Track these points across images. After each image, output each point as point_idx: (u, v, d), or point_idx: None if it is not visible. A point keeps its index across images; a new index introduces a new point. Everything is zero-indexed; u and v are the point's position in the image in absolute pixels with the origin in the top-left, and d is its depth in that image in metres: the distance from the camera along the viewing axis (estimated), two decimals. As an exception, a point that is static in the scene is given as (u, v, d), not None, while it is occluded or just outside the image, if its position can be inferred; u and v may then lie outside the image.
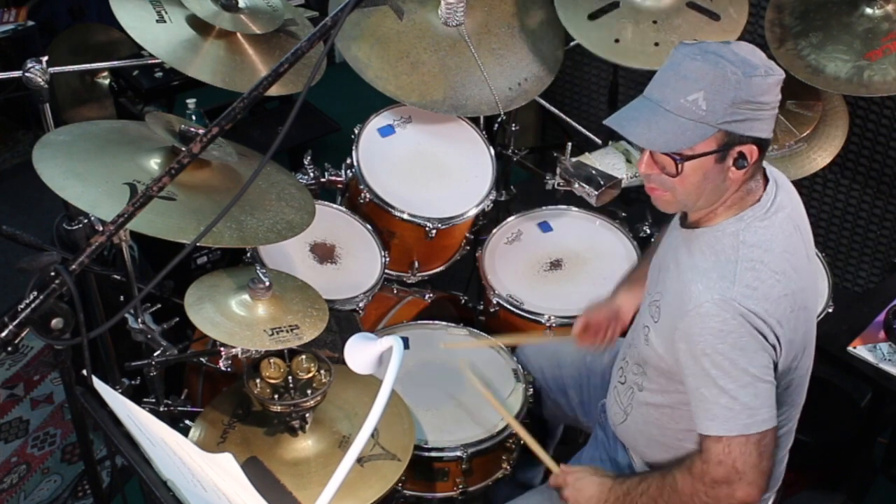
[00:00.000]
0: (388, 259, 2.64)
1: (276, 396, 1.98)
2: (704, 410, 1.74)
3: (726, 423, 1.71)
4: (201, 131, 1.55)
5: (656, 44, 2.66)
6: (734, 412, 1.70)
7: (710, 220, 1.78)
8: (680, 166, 1.69)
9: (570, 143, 2.74)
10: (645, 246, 2.71)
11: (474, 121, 2.87)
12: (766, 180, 1.81)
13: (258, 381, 2.00)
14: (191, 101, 3.24)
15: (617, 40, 2.68)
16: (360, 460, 1.97)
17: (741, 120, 1.65)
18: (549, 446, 2.45)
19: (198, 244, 1.65)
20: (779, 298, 1.72)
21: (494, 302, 2.58)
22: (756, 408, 1.70)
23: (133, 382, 2.50)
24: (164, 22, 2.37)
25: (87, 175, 1.97)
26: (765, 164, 1.83)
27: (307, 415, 1.98)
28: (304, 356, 2.03)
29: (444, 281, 2.95)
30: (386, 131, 2.80)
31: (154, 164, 2.09)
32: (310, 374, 2.02)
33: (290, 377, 2.01)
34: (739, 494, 1.73)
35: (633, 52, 2.66)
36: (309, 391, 1.98)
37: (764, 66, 1.66)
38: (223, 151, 2.16)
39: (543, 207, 2.86)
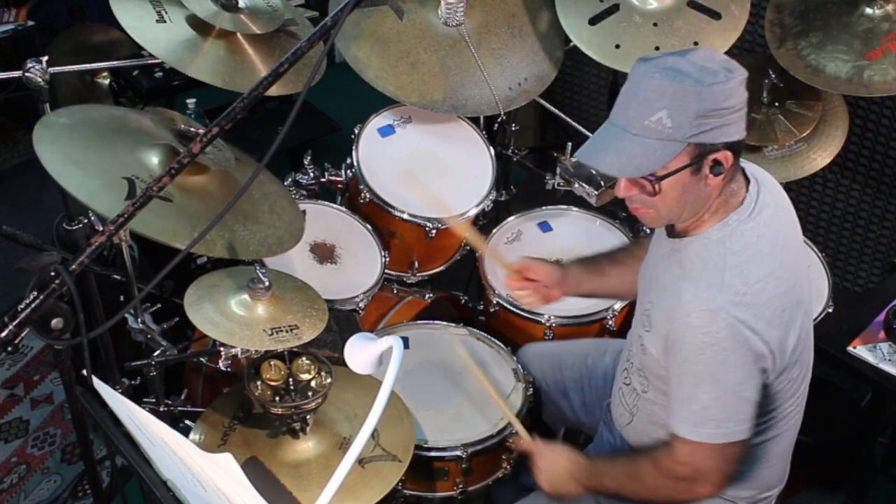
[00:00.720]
0: (388, 259, 2.64)
1: (276, 399, 1.98)
2: (677, 411, 1.78)
3: (695, 428, 1.75)
4: (201, 131, 1.55)
5: (657, 48, 2.66)
6: (703, 420, 1.74)
7: (697, 227, 1.78)
8: (657, 186, 1.69)
9: (570, 143, 2.74)
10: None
11: (474, 121, 2.87)
12: (748, 180, 1.80)
13: (259, 383, 2.00)
14: (191, 101, 3.24)
15: (618, 45, 2.68)
16: (360, 461, 1.97)
17: (709, 129, 1.64)
18: None
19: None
20: (769, 300, 1.72)
21: (494, 302, 2.58)
22: (724, 420, 1.74)
23: (133, 382, 2.50)
24: (164, 22, 2.37)
25: (87, 164, 1.97)
26: (744, 162, 1.84)
27: (308, 417, 1.98)
28: (304, 358, 2.03)
29: (444, 281, 2.95)
30: (386, 131, 2.80)
31: (153, 160, 2.09)
32: (310, 377, 2.02)
33: (290, 379, 2.01)
34: (700, 491, 1.82)
35: (635, 58, 2.64)
36: (310, 393, 1.98)
37: (723, 71, 1.64)
38: (221, 156, 2.15)
39: (543, 207, 2.86)
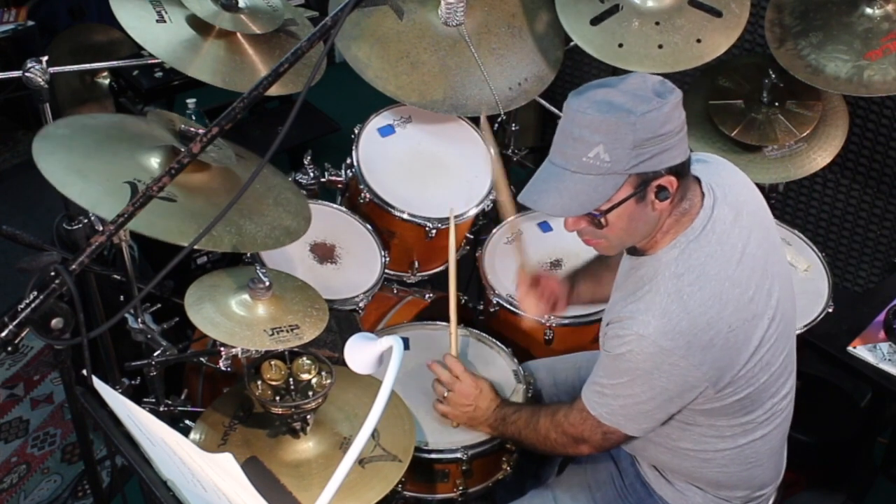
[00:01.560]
0: (388, 259, 2.64)
1: (277, 398, 1.98)
2: (591, 380, 1.88)
3: (592, 402, 1.86)
4: (201, 131, 1.55)
5: (660, 46, 2.66)
6: (603, 401, 1.84)
7: (652, 247, 1.79)
8: (603, 220, 1.71)
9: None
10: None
11: (474, 121, 2.87)
12: (702, 192, 1.78)
13: (259, 383, 2.00)
14: (191, 101, 3.24)
15: (621, 45, 2.68)
16: (360, 461, 1.97)
17: (648, 158, 1.64)
18: (551, 461, 2.44)
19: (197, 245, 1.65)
20: (710, 324, 1.71)
21: (494, 302, 2.58)
22: (616, 413, 1.82)
23: (133, 382, 2.49)
24: (164, 22, 2.37)
25: (88, 172, 1.97)
26: (708, 157, 1.88)
27: (308, 416, 1.98)
28: (304, 358, 2.03)
29: (444, 281, 2.94)
30: (386, 131, 2.80)
31: (154, 162, 2.09)
32: (310, 376, 2.02)
33: (290, 379, 2.01)
34: (580, 449, 1.96)
35: (638, 56, 2.66)
36: (310, 393, 1.98)
37: (655, 98, 1.63)
38: (222, 154, 2.15)
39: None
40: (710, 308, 1.71)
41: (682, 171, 1.70)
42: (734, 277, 1.75)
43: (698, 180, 1.79)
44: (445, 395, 2.16)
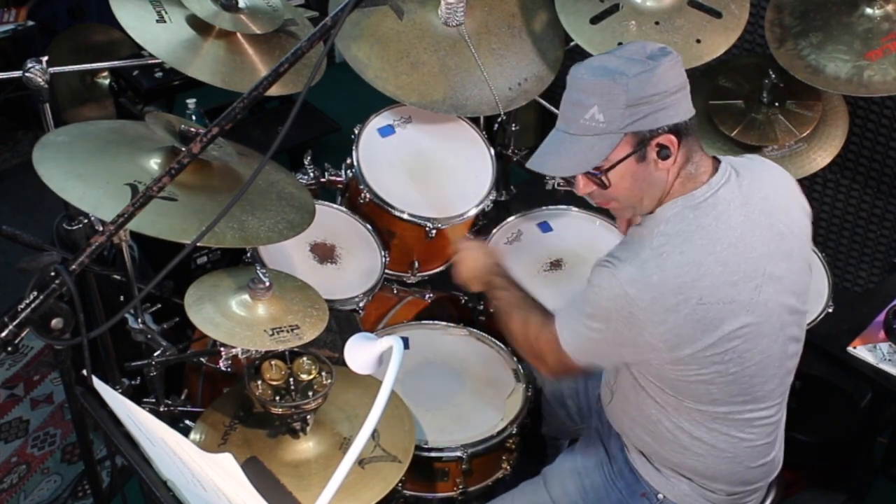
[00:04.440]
0: (388, 259, 2.64)
1: (277, 398, 1.98)
2: (567, 302, 1.90)
3: (560, 323, 1.89)
4: (201, 131, 1.55)
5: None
6: (566, 323, 1.88)
7: (657, 208, 1.83)
8: (605, 178, 1.77)
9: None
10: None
11: (474, 121, 2.87)
12: (717, 171, 1.82)
13: (259, 383, 2.00)
14: (191, 101, 3.24)
15: (620, 44, 2.67)
16: (360, 462, 1.97)
17: (642, 117, 1.70)
18: (550, 461, 2.44)
19: (198, 244, 1.65)
20: (680, 287, 1.72)
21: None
22: (575, 339, 1.86)
23: (133, 382, 2.49)
24: (164, 22, 2.37)
25: (88, 176, 1.97)
26: (753, 156, 1.89)
27: (308, 417, 1.98)
28: (305, 358, 2.03)
29: (444, 281, 2.94)
30: (386, 131, 2.80)
31: (154, 164, 2.09)
32: (311, 377, 2.02)
33: (291, 379, 2.01)
34: (541, 367, 2.00)
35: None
36: (310, 393, 1.98)
37: (647, 60, 1.70)
38: (223, 152, 2.16)
39: (543, 207, 2.86)
40: (685, 273, 1.73)
41: (682, 130, 1.75)
42: (720, 255, 1.76)
43: (717, 160, 1.84)
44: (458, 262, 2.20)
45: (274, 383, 2.00)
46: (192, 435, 2.06)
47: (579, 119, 1.73)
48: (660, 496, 2.02)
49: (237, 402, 2.11)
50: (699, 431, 1.90)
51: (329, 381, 1.99)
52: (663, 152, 1.74)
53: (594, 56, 1.80)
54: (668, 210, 1.79)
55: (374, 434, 2.01)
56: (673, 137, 1.73)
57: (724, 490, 1.99)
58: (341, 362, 1.65)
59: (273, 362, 2.02)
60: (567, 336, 1.87)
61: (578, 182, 1.82)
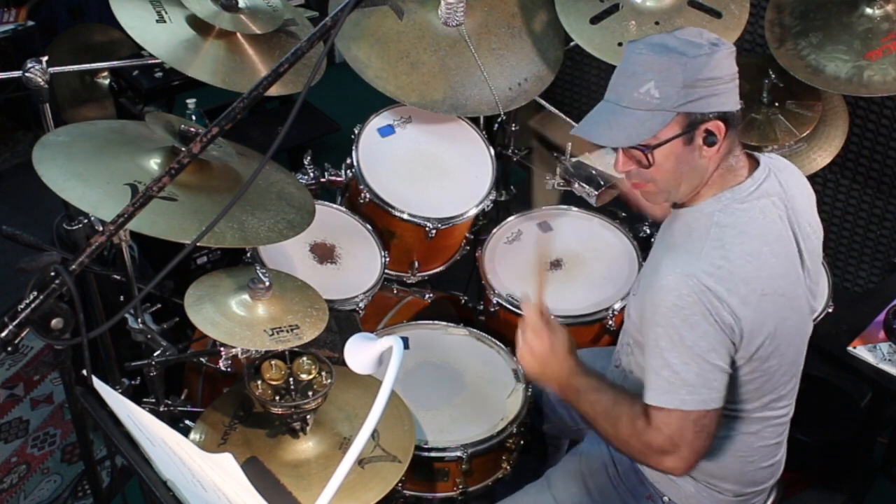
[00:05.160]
0: (388, 259, 2.64)
1: (277, 398, 1.98)
2: (649, 379, 1.79)
3: (665, 394, 1.75)
4: (201, 131, 1.55)
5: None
6: (674, 386, 1.74)
7: (694, 200, 1.83)
8: (650, 156, 1.74)
9: (570, 144, 2.74)
10: (645, 246, 2.71)
11: (474, 121, 2.87)
12: (756, 164, 1.83)
13: (259, 382, 2.00)
14: (191, 101, 3.24)
15: (620, 44, 2.68)
16: (360, 462, 1.97)
17: (696, 99, 1.70)
18: (551, 461, 2.44)
19: (198, 244, 1.65)
20: (746, 279, 1.73)
21: (494, 302, 2.58)
22: (696, 385, 1.74)
23: (133, 382, 2.49)
24: (164, 22, 2.37)
25: (88, 176, 1.97)
26: (772, 155, 1.88)
27: (308, 416, 1.98)
28: (304, 358, 2.03)
29: (444, 281, 2.95)
30: (386, 131, 2.80)
31: (154, 164, 2.09)
32: (311, 376, 2.02)
33: (291, 379, 2.01)
34: (667, 464, 1.80)
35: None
36: (310, 393, 1.98)
37: (708, 45, 1.70)
38: (223, 152, 2.16)
39: (543, 207, 2.86)
40: (748, 263, 1.73)
41: (731, 119, 1.75)
42: (773, 247, 1.78)
43: (755, 157, 1.85)
44: (523, 349, 1.98)
45: (274, 383, 2.00)
46: (192, 435, 2.06)
47: (633, 92, 1.71)
48: (665, 499, 2.01)
49: (237, 402, 2.11)
50: (720, 431, 1.88)
51: (329, 380, 1.99)
52: (710, 139, 1.73)
53: (652, 34, 1.77)
54: (715, 203, 1.79)
55: (374, 434, 2.01)
56: (721, 125, 1.73)
57: (731, 490, 1.98)
58: (341, 362, 1.65)
59: (273, 362, 2.02)
60: (689, 396, 1.73)
61: (619, 158, 1.80)
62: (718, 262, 1.72)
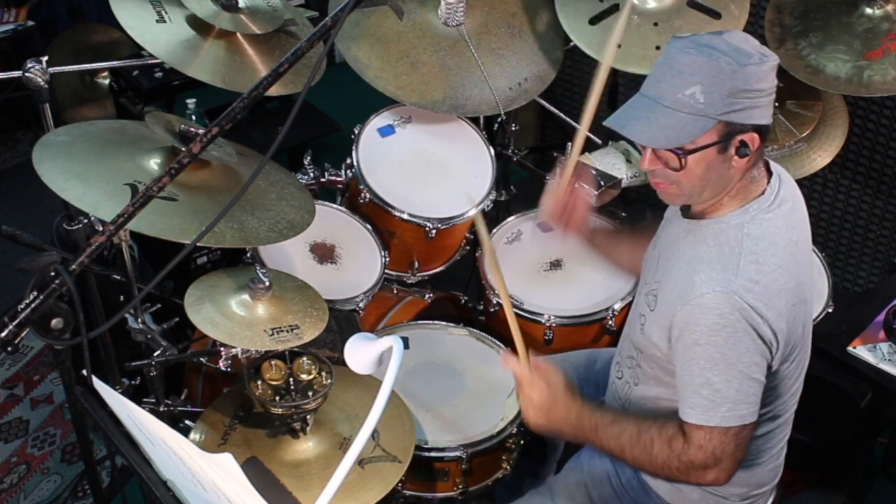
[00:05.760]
0: (388, 259, 2.64)
1: (277, 398, 1.98)
2: (686, 398, 1.76)
3: (706, 412, 1.74)
4: (201, 131, 1.55)
5: (657, 47, 2.65)
6: (715, 403, 1.73)
7: (716, 210, 1.79)
8: (683, 160, 1.70)
9: (569, 143, 2.74)
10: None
11: (474, 121, 2.87)
12: (770, 172, 1.82)
13: (259, 382, 2.00)
14: (191, 101, 3.24)
15: (619, 45, 2.68)
16: (360, 462, 1.97)
17: (740, 109, 1.66)
18: (550, 461, 2.44)
19: (198, 244, 1.65)
20: (780, 292, 1.72)
21: (494, 302, 2.58)
22: (736, 402, 1.73)
23: (133, 382, 2.50)
24: (164, 22, 2.37)
25: (88, 176, 1.97)
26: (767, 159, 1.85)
27: (308, 416, 1.98)
28: (304, 358, 2.03)
29: (444, 281, 2.95)
30: (386, 131, 2.80)
31: (154, 164, 2.09)
32: (311, 377, 2.02)
33: (291, 379, 2.01)
34: (709, 478, 1.79)
35: (636, 57, 2.66)
36: (310, 393, 1.98)
37: (758, 54, 1.66)
38: (223, 151, 2.16)
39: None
40: (780, 276, 1.72)
41: (765, 133, 1.72)
42: (797, 256, 1.78)
43: (766, 162, 1.83)
44: (525, 403, 1.92)
45: (274, 383, 2.00)
46: (192, 435, 2.06)
47: (677, 93, 1.65)
48: None
49: (236, 403, 2.11)
50: None
51: (329, 381, 1.99)
52: (742, 150, 1.69)
53: (696, 34, 1.70)
54: (743, 215, 1.76)
55: (374, 434, 2.01)
56: (756, 137, 1.69)
57: (738, 494, 1.97)
58: (341, 362, 1.65)
59: (273, 362, 2.02)
60: (728, 413, 1.73)
61: (646, 156, 1.75)
62: (756, 278, 1.70)
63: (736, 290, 1.68)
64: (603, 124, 1.77)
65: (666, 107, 1.67)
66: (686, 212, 1.85)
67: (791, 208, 1.81)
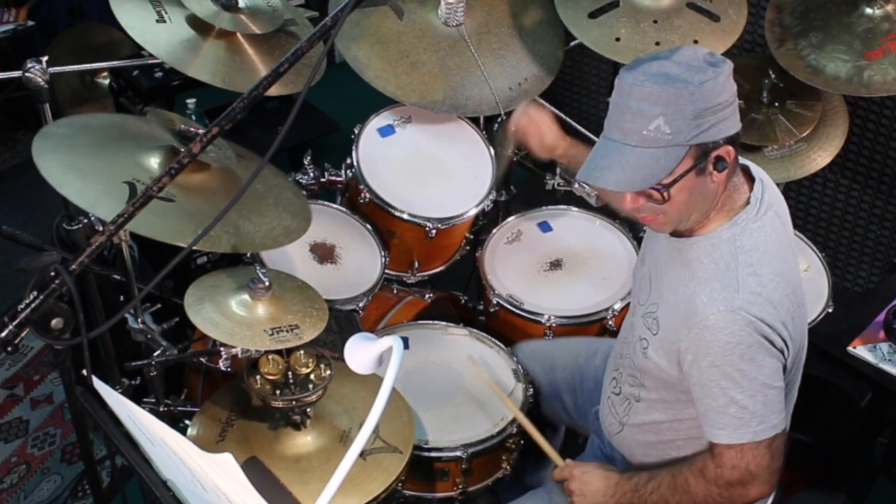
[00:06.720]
0: (388, 259, 2.64)
1: (276, 393, 1.99)
2: (713, 420, 1.75)
3: (737, 431, 1.73)
4: (201, 131, 1.55)
5: (657, 43, 2.66)
6: (744, 421, 1.72)
7: (704, 227, 1.76)
8: (666, 193, 1.67)
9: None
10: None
11: (474, 121, 2.87)
12: (751, 178, 1.80)
13: (258, 377, 2.00)
14: (191, 101, 3.23)
15: (618, 39, 2.68)
16: (362, 454, 1.97)
17: (707, 128, 1.62)
18: (553, 445, 2.44)
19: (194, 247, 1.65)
20: (782, 300, 1.72)
21: (494, 302, 2.58)
22: (765, 414, 1.72)
23: (133, 382, 2.50)
24: (164, 22, 2.37)
25: (87, 172, 1.97)
26: (744, 161, 1.83)
27: (309, 409, 1.98)
28: (301, 352, 2.03)
29: (444, 281, 2.95)
30: (386, 131, 2.80)
31: (154, 162, 2.09)
32: (308, 370, 2.02)
33: (289, 373, 2.01)
34: (753, 493, 1.77)
35: (635, 52, 2.66)
36: (310, 385, 1.98)
37: (710, 67, 1.62)
38: (222, 154, 2.16)
39: (543, 207, 2.86)
40: (778, 284, 1.72)
41: (736, 141, 1.70)
42: (788, 261, 1.77)
43: (746, 167, 1.81)
44: (574, 499, 1.99)
45: (271, 378, 2.01)
46: (190, 430, 2.06)
47: (642, 130, 1.61)
48: None
49: (234, 397, 2.12)
50: None
51: (328, 372, 2.00)
52: (720, 164, 1.66)
53: (643, 60, 1.65)
54: (733, 228, 1.73)
55: (374, 428, 2.01)
56: (731, 149, 1.67)
57: None
58: (341, 362, 1.65)
59: (270, 357, 2.03)
60: (759, 426, 1.72)
61: (626, 197, 1.70)
62: (757, 290, 1.69)
63: (741, 306, 1.67)
64: (576, 178, 1.75)
65: (634, 146, 1.62)
66: (673, 230, 1.81)
67: (776, 212, 1.79)
